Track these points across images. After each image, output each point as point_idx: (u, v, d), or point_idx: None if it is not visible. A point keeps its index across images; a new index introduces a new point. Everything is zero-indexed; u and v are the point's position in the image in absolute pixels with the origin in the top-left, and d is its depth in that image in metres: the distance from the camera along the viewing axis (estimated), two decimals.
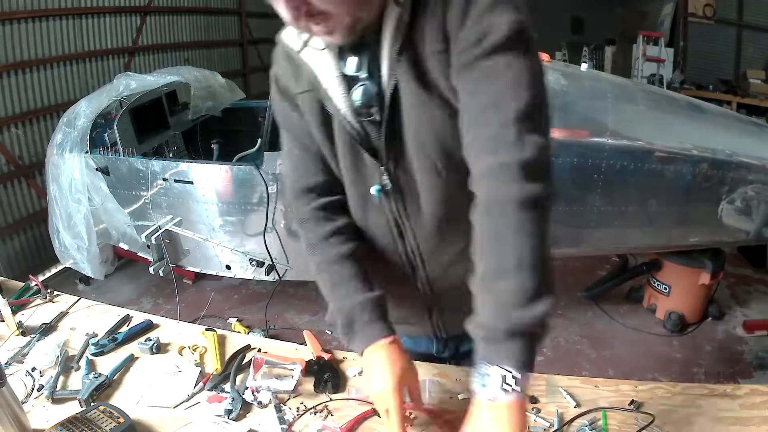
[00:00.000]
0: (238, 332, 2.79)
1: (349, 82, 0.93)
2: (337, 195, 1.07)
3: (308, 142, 1.04)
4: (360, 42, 0.89)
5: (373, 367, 0.98)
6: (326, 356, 1.30)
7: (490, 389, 0.76)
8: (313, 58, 0.95)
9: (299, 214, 1.09)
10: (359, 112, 0.94)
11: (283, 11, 0.81)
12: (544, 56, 2.69)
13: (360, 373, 1.26)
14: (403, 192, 0.99)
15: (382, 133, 0.93)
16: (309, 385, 1.23)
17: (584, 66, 2.92)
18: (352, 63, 0.92)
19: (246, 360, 1.30)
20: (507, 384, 0.75)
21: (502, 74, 0.80)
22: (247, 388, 1.18)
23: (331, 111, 0.95)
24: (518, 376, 0.75)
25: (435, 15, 0.84)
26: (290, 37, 0.97)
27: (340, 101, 0.93)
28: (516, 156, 0.79)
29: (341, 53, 0.93)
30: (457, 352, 1.29)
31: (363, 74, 0.92)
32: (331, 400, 1.18)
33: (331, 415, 1.14)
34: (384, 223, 1.04)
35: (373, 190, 0.99)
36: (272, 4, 0.81)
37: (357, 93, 0.92)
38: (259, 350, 1.34)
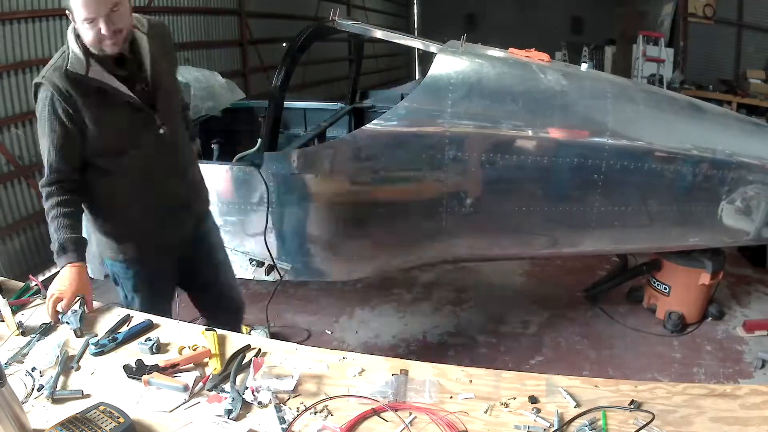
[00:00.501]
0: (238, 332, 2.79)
1: (123, 77, 1.61)
2: (66, 179, 1.65)
3: (71, 149, 1.63)
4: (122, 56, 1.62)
5: (58, 277, 1.58)
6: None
7: None
8: (97, 74, 1.56)
9: (46, 187, 1.65)
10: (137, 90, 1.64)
11: (91, 35, 1.51)
12: (545, 56, 2.69)
13: (360, 373, 1.26)
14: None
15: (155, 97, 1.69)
16: (309, 385, 1.23)
17: (584, 66, 2.92)
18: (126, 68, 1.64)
19: (246, 360, 1.30)
20: None
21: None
22: (247, 388, 1.19)
23: (120, 99, 1.60)
24: None
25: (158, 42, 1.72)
26: (74, 68, 1.54)
27: (124, 90, 1.60)
28: None
29: (116, 63, 1.61)
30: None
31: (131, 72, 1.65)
32: (330, 398, 1.18)
33: (331, 415, 1.14)
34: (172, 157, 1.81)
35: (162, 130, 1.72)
36: (84, 32, 1.52)
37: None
38: (259, 350, 1.34)
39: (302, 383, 1.23)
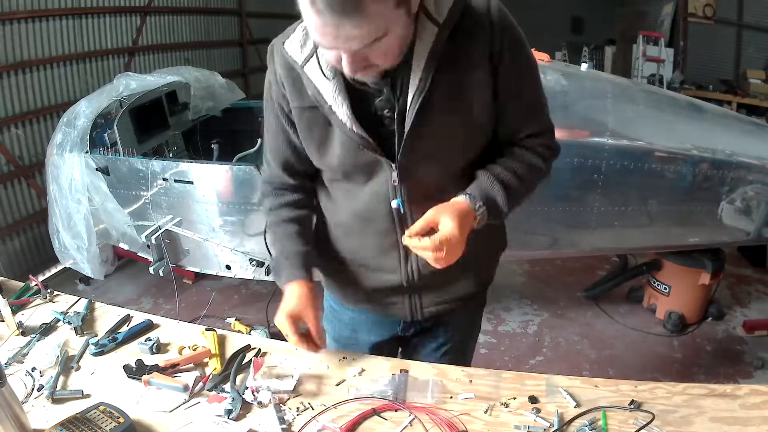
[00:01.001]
0: (239, 331, 2.80)
1: (354, 93, 1.02)
2: (297, 179, 1.27)
3: (293, 160, 1.22)
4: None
5: (283, 300, 1.23)
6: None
7: (471, 202, 1.07)
8: (314, 73, 1.03)
9: (265, 187, 1.31)
10: (376, 119, 1.05)
11: (336, 62, 0.93)
12: (544, 56, 2.69)
13: (360, 373, 1.26)
14: (408, 187, 1.11)
15: (402, 144, 1.05)
16: (309, 385, 1.23)
17: (584, 66, 2.92)
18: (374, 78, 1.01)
19: (246, 360, 1.30)
20: (478, 208, 1.07)
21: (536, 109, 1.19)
22: (247, 388, 1.19)
23: (334, 123, 1.05)
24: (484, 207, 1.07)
25: (475, 36, 1.01)
26: (293, 49, 1.06)
27: (344, 115, 1.02)
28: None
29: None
30: (420, 330, 1.42)
31: (382, 86, 1.02)
32: (332, 406, 1.18)
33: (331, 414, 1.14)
34: (386, 213, 1.16)
35: (395, 203, 1.12)
36: (323, 50, 0.94)
37: (380, 103, 1.03)
38: (259, 350, 1.34)
39: (302, 383, 1.23)
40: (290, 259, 1.25)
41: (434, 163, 1.10)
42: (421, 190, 1.12)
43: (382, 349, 1.42)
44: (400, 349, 1.51)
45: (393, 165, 1.08)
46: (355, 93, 1.03)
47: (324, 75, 1.01)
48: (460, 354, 1.50)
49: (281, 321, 1.21)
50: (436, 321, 1.41)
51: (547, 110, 1.20)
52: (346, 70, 0.92)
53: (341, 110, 1.02)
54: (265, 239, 1.31)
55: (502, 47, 1.03)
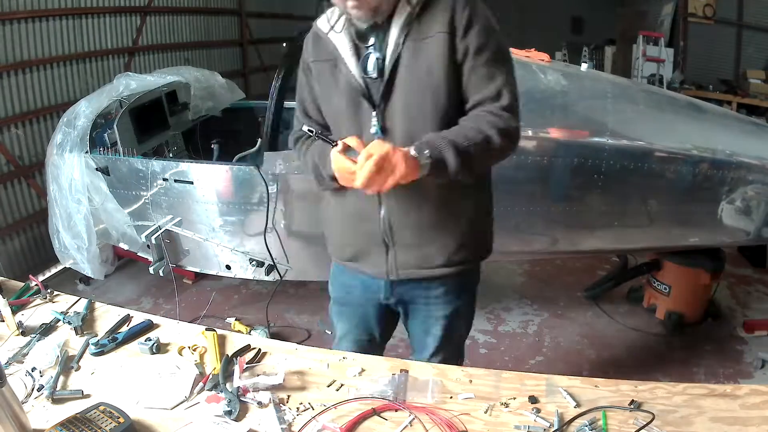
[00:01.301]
0: (239, 331, 2.80)
1: (359, 52, 1.36)
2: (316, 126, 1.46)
3: (310, 108, 1.51)
4: (373, 26, 1.33)
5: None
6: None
7: (416, 149, 1.22)
8: (335, 38, 1.38)
9: (293, 139, 1.57)
10: (365, 72, 1.35)
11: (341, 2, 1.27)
12: (544, 56, 2.69)
13: (360, 373, 1.26)
14: (386, 132, 1.36)
15: (381, 88, 1.33)
16: (309, 384, 1.23)
17: (584, 66, 2.92)
18: (371, 39, 1.35)
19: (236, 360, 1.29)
20: (423, 153, 1.21)
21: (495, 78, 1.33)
22: (238, 388, 1.18)
23: (344, 72, 1.36)
24: (430, 155, 1.22)
25: (440, 14, 1.29)
26: (322, 23, 1.41)
27: (353, 66, 1.35)
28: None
29: (358, 35, 1.36)
30: (400, 299, 1.56)
31: (371, 47, 1.34)
32: (332, 406, 1.18)
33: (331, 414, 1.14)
34: None
35: (373, 129, 1.35)
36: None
37: (369, 60, 1.35)
38: (259, 350, 1.34)
39: (302, 383, 1.23)
40: (317, 158, 1.43)
41: (406, 118, 1.33)
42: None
43: (370, 317, 1.63)
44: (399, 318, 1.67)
45: (374, 112, 1.35)
46: (358, 53, 1.36)
47: (337, 32, 1.35)
48: (447, 331, 1.59)
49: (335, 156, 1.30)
50: (413, 292, 1.54)
51: (513, 94, 1.34)
52: (350, 3, 1.25)
53: (351, 62, 1.35)
54: (304, 163, 1.52)
55: (461, 20, 1.29)
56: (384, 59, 1.33)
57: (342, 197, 1.48)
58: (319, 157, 1.42)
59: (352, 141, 1.26)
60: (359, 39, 1.36)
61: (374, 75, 1.34)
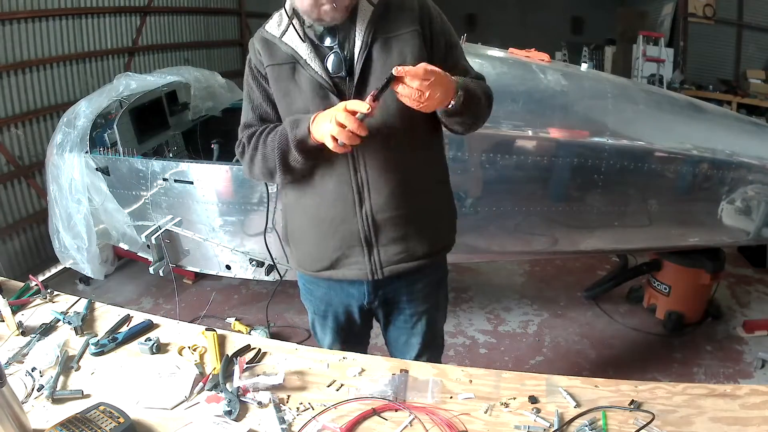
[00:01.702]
0: (239, 331, 2.80)
1: (320, 53, 1.36)
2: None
3: (266, 112, 1.46)
4: (329, 28, 1.35)
5: (318, 117, 1.29)
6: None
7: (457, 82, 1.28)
8: (291, 40, 1.37)
9: (241, 143, 1.48)
10: (332, 71, 1.35)
11: (310, 7, 1.27)
12: (544, 56, 2.69)
13: (360, 373, 1.26)
14: None
15: (354, 85, 1.35)
16: (309, 384, 1.23)
17: (584, 66, 2.92)
18: (329, 40, 1.36)
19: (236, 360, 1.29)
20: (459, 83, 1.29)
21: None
22: (238, 388, 1.18)
23: (306, 74, 1.35)
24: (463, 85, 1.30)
25: (406, 12, 1.36)
26: (272, 28, 1.41)
27: (317, 67, 1.35)
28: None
29: (315, 37, 1.37)
30: (383, 300, 1.55)
31: (335, 47, 1.36)
32: (332, 406, 1.18)
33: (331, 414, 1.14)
34: (343, 156, 1.35)
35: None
36: (302, 5, 1.28)
37: (331, 59, 1.35)
38: (259, 350, 1.34)
39: (302, 383, 1.23)
40: (288, 124, 1.37)
41: (383, 110, 1.31)
42: (372, 142, 1.30)
43: (354, 323, 1.60)
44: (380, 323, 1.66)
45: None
46: (318, 53, 1.36)
47: (301, 38, 1.35)
48: (431, 326, 1.62)
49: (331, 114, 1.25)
50: (396, 290, 1.53)
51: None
52: (325, 7, 1.26)
53: (314, 63, 1.35)
54: (254, 163, 1.44)
55: (427, 19, 1.38)
56: (352, 57, 1.35)
57: (312, 202, 1.45)
58: (291, 127, 1.34)
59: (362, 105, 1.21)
60: (317, 40, 1.37)
61: (342, 73, 1.35)
